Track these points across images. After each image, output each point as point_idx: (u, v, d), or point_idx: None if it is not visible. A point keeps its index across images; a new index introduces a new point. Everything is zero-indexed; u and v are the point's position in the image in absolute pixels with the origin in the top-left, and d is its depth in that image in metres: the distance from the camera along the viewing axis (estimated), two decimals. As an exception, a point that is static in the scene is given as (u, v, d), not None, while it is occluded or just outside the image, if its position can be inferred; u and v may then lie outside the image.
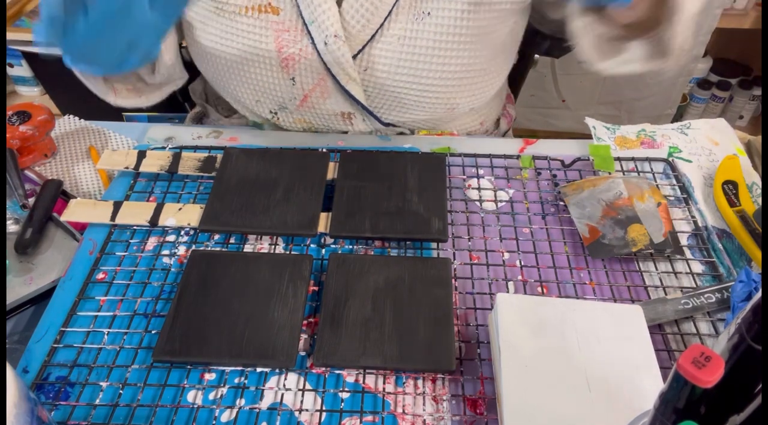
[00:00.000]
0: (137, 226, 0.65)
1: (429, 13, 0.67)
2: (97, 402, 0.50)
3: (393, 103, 0.73)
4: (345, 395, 0.51)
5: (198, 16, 0.70)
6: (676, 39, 0.58)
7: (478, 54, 0.70)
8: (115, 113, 0.96)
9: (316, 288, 0.59)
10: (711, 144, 0.75)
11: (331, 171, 0.69)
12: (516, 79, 1.04)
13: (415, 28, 0.67)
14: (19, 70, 1.61)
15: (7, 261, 0.61)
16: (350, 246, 0.63)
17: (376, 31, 0.67)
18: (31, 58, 1.55)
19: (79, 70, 0.61)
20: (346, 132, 0.79)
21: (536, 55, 1.00)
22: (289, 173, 0.68)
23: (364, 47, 0.68)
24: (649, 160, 0.72)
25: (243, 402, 0.51)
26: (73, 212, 0.65)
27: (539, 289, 0.59)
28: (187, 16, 0.71)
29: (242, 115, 0.83)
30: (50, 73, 1.47)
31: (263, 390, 0.51)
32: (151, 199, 0.68)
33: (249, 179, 0.67)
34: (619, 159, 0.72)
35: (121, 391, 0.51)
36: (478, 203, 0.68)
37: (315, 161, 0.69)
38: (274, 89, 0.73)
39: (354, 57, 0.68)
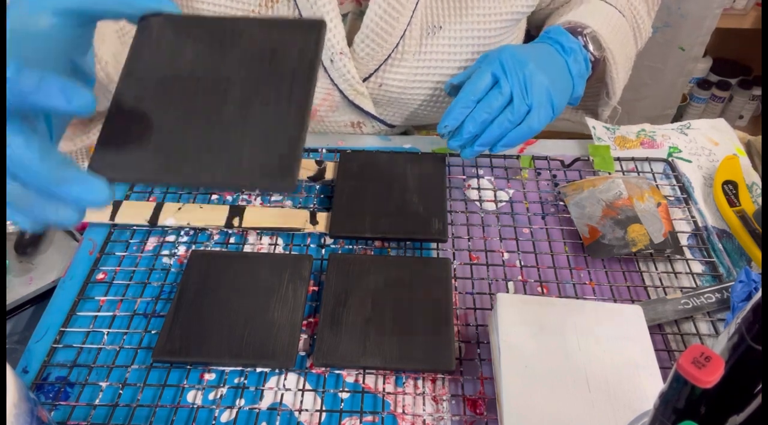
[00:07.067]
0: (137, 226, 0.65)
1: (441, 27, 0.68)
2: (97, 402, 0.50)
3: (404, 110, 0.75)
4: (345, 395, 0.51)
5: None
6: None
7: None
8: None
9: (316, 288, 0.59)
10: (711, 144, 0.75)
11: (331, 171, 0.69)
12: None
13: (428, 42, 0.68)
14: (19, 70, 1.61)
15: (7, 261, 0.61)
16: (350, 246, 0.63)
17: (392, 51, 0.68)
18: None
19: None
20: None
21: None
22: None
23: (379, 67, 0.69)
24: (649, 160, 0.72)
25: (243, 402, 0.51)
26: (73, 212, 0.65)
27: (539, 289, 0.59)
28: None
29: None
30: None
31: (263, 390, 0.51)
32: (150, 198, 0.68)
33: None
34: (619, 159, 0.72)
35: (120, 391, 0.51)
36: (477, 203, 0.67)
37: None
38: None
39: (369, 76, 0.70)
